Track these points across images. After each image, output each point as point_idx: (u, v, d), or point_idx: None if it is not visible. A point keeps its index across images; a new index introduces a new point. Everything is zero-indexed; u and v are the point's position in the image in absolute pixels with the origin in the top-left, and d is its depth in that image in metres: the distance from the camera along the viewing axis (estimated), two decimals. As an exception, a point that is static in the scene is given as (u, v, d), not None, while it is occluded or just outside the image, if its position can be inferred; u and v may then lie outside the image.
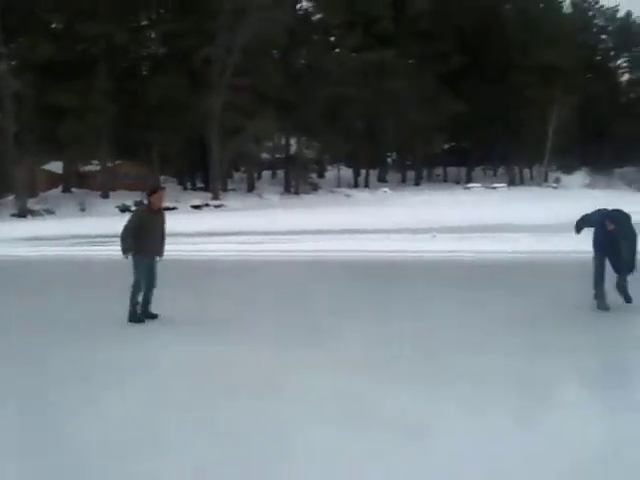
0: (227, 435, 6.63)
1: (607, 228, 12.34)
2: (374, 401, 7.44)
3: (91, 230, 40.25)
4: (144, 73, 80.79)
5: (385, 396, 7.58)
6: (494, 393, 7.65)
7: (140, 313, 11.90)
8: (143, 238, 11.72)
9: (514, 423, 6.80)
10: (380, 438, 6.42)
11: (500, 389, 7.79)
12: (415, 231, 31.19)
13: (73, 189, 75.66)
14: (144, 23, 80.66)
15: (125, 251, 11.75)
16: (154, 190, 12.33)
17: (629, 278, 12.31)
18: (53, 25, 75.26)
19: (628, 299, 12.38)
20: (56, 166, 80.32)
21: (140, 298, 11.89)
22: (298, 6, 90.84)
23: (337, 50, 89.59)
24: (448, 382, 7.99)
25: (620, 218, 12.44)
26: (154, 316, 12.00)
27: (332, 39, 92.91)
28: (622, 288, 12.42)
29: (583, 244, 22.83)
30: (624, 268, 12.27)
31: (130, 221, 11.84)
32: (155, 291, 11.97)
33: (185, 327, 11.50)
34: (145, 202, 12.05)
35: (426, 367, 8.68)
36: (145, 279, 11.85)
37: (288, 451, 6.26)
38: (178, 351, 9.85)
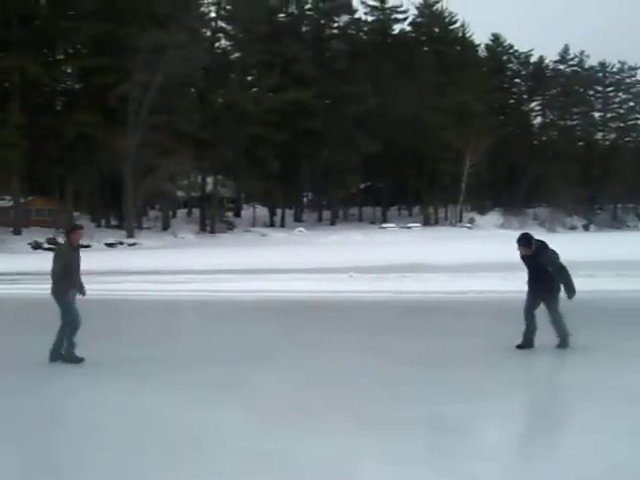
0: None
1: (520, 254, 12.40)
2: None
3: (3, 267, 39.29)
4: (59, 108, 79.74)
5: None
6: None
7: (63, 354, 11.53)
8: (69, 276, 11.42)
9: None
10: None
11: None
12: (331, 271, 31.11)
13: (-17, 225, 74.09)
14: (60, 57, 79.73)
15: (65, 294, 11.37)
16: (74, 228, 12.17)
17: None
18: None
19: (562, 342, 12.15)
20: (-35, 201, 78.70)
21: (69, 338, 11.50)
22: (216, 45, 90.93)
23: (255, 89, 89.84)
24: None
25: (529, 241, 12.39)
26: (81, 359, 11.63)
27: (250, 78, 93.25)
28: (555, 325, 12.19)
29: (495, 285, 23.11)
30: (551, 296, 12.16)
31: (58, 262, 11.42)
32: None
33: (96, 369, 11.18)
34: (61, 240, 11.81)
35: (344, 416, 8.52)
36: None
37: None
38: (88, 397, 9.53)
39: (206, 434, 7.77)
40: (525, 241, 12.41)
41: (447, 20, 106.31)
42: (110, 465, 6.93)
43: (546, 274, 12.02)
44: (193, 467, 6.81)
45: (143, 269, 35.53)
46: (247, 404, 8.95)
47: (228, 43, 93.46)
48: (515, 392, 9.48)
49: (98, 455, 7.18)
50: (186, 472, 6.70)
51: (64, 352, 11.48)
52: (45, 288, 23.33)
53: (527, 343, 12.20)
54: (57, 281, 11.40)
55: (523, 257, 12.42)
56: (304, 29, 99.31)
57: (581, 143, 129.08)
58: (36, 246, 66.49)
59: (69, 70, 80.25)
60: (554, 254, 12.16)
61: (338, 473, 6.52)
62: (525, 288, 12.47)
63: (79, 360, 11.44)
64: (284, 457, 6.95)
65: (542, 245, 12.35)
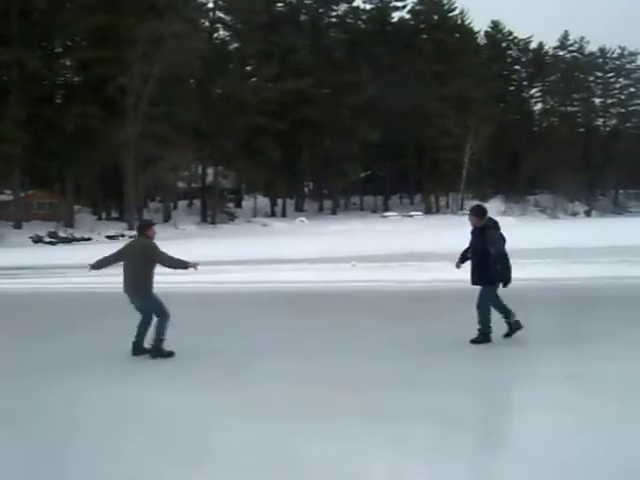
0: None
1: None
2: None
3: (3, 262, 39.20)
4: (58, 101, 79.51)
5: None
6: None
7: (148, 348, 11.44)
8: (151, 272, 11.51)
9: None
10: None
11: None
12: (333, 260, 31.02)
13: (-16, 219, 73.95)
14: (58, 50, 79.48)
15: (149, 288, 11.45)
16: (149, 224, 12.17)
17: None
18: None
19: (480, 336, 11.77)
20: (-34, 195, 78.60)
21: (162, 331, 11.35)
22: (215, 35, 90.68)
23: (253, 80, 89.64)
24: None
25: (482, 212, 12.32)
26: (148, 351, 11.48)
27: (248, 69, 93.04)
28: (479, 310, 11.86)
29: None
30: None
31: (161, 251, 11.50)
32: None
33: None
34: (139, 237, 11.60)
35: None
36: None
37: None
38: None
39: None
40: (477, 211, 12.30)
41: (446, 7, 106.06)
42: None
43: (487, 257, 11.65)
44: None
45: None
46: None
47: (226, 33, 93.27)
48: (514, 383, 9.36)
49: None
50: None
51: (151, 345, 11.35)
52: (47, 282, 23.24)
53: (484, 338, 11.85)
54: (173, 258, 11.50)
55: (472, 231, 12.16)
56: (302, 18, 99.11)
57: (582, 129, 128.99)
58: (37, 240, 66.51)
59: (68, 63, 79.92)
60: (502, 237, 11.88)
61: (338, 465, 6.44)
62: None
63: (170, 354, 11.31)
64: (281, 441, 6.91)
65: (494, 222, 12.13)
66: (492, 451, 6.80)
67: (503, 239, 11.85)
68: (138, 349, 11.40)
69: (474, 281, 11.98)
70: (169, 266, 11.55)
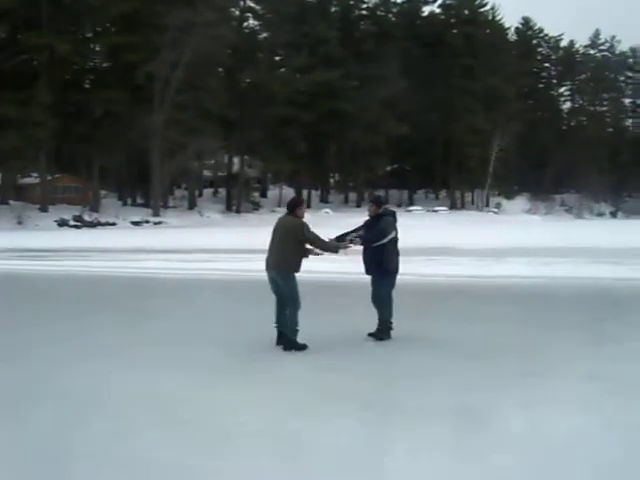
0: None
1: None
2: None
3: (29, 244, 39.45)
4: (87, 86, 79.76)
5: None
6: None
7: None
8: (300, 252, 11.07)
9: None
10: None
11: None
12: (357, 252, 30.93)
13: (10, 201, 74.23)
14: (88, 35, 79.72)
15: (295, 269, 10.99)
16: (301, 202, 11.60)
17: None
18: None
19: (379, 331, 11.49)
20: (-7, 177, 78.95)
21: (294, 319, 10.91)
22: (245, 24, 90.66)
23: (282, 70, 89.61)
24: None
25: (379, 201, 12.23)
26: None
27: (278, 59, 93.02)
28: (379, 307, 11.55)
29: (522, 270, 22.90)
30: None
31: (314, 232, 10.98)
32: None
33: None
34: (287, 215, 11.10)
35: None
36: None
37: None
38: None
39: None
40: (377, 200, 12.20)
41: (477, 2, 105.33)
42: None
43: (379, 249, 11.35)
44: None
45: (168, 247, 35.56)
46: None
47: (256, 23, 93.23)
48: (533, 380, 9.25)
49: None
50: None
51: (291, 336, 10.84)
52: (71, 265, 23.34)
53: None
54: (285, 257, 10.93)
55: (367, 221, 11.91)
56: (333, 10, 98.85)
57: (610, 129, 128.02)
58: (62, 223, 66.92)
59: (97, 48, 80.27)
60: (393, 226, 11.57)
61: (364, 461, 6.38)
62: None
63: (305, 345, 10.82)
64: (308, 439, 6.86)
65: (391, 212, 11.91)
66: (508, 448, 6.72)
67: (395, 229, 11.57)
68: (280, 337, 11.02)
69: (370, 272, 11.71)
70: (319, 247, 11.04)
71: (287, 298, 10.84)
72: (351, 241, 11.46)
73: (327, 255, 11.48)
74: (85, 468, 6.14)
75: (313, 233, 10.84)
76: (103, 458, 6.36)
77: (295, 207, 11.15)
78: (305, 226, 10.84)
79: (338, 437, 6.88)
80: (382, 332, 11.43)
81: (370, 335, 11.46)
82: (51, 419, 7.49)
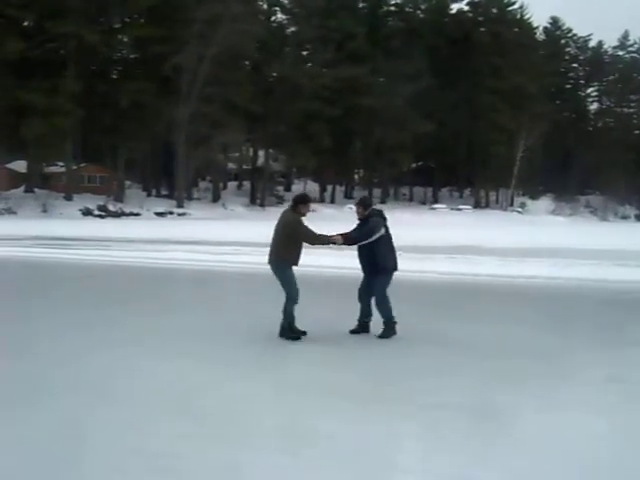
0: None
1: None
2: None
3: (54, 232, 39.64)
4: (114, 77, 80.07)
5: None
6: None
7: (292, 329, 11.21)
8: (297, 246, 11.22)
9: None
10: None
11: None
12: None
13: (36, 189, 74.69)
14: (117, 26, 79.95)
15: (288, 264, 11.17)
16: (307, 198, 11.76)
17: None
18: (24, 23, 74.26)
19: (385, 330, 11.56)
20: (19, 165, 79.35)
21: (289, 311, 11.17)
22: (272, 18, 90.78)
23: (309, 65, 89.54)
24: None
25: (365, 203, 12.14)
26: (303, 332, 11.30)
27: (305, 53, 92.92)
28: (378, 307, 11.60)
29: (545, 271, 22.80)
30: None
31: (306, 228, 11.17)
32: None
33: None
34: (290, 209, 11.21)
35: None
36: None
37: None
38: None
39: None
40: (362, 203, 12.12)
41: (505, 1, 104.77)
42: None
43: (372, 248, 11.46)
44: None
45: (191, 239, 35.67)
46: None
47: (284, 17, 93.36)
48: (554, 383, 9.21)
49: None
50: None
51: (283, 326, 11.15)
52: (94, 254, 23.48)
53: (361, 328, 11.69)
54: (280, 250, 11.15)
55: (358, 224, 11.91)
56: (360, 5, 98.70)
57: (637, 131, 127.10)
58: (86, 212, 67.32)
59: (125, 39, 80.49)
60: (383, 225, 11.63)
61: (378, 458, 6.39)
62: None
63: (297, 336, 11.12)
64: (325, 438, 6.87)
65: (377, 212, 11.89)
66: (518, 448, 6.70)
67: (386, 228, 11.64)
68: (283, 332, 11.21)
69: (365, 271, 11.83)
70: (310, 242, 11.25)
71: (285, 291, 11.10)
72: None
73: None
74: (98, 458, 6.18)
75: (306, 228, 11.07)
76: (116, 447, 6.40)
77: (299, 203, 11.36)
78: (300, 223, 11.09)
79: (347, 430, 6.92)
80: (387, 331, 11.47)
81: (378, 337, 11.47)
82: (66, 407, 7.53)
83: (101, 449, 6.34)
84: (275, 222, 11.15)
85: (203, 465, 5.96)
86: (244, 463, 6.04)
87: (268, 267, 11.20)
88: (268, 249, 11.16)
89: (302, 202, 11.36)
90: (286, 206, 11.63)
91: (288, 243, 11.05)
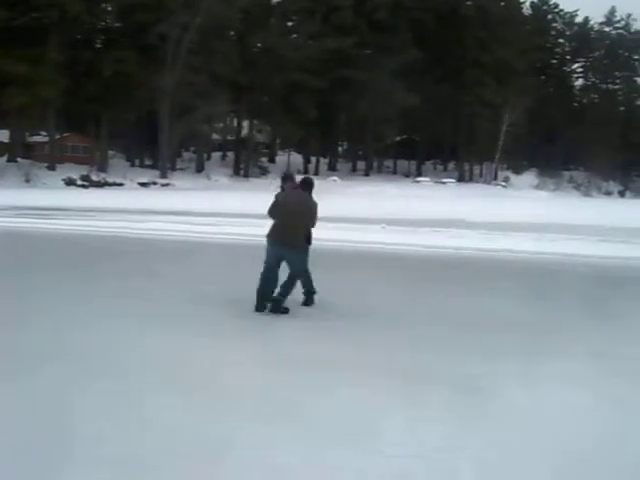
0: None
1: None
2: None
3: (37, 202, 39.44)
4: (97, 46, 79.38)
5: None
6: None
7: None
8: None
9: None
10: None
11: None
12: (364, 221, 30.97)
13: (18, 159, 74.16)
14: (100, -6, 79.23)
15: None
16: (289, 177, 12.31)
17: None
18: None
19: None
20: (2, 134, 78.70)
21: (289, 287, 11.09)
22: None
23: (294, 36, 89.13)
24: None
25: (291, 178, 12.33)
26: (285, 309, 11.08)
27: (290, 24, 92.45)
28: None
29: (528, 245, 22.88)
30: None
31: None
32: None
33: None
34: (309, 194, 11.16)
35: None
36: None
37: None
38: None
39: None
40: (289, 178, 12.34)
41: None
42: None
43: None
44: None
45: (174, 209, 35.57)
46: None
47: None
48: (537, 356, 9.23)
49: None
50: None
51: (273, 297, 10.99)
52: (76, 224, 23.33)
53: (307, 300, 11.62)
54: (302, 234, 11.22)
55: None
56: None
57: (622, 108, 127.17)
58: (69, 182, 67.01)
59: (109, 8, 79.70)
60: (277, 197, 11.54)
61: (362, 428, 6.38)
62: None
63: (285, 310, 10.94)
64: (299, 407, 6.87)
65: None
66: (501, 421, 6.72)
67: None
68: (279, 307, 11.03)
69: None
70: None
71: (296, 271, 11.08)
72: None
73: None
74: (90, 429, 6.16)
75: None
76: (106, 418, 6.37)
77: (313, 187, 11.42)
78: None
79: (340, 403, 6.92)
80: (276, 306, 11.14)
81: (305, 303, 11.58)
82: (58, 378, 7.50)
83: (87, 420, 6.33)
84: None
85: (192, 437, 5.96)
86: (228, 433, 6.04)
87: (263, 241, 11.11)
88: (281, 230, 10.95)
89: (288, 179, 11.42)
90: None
91: (306, 227, 11.21)
